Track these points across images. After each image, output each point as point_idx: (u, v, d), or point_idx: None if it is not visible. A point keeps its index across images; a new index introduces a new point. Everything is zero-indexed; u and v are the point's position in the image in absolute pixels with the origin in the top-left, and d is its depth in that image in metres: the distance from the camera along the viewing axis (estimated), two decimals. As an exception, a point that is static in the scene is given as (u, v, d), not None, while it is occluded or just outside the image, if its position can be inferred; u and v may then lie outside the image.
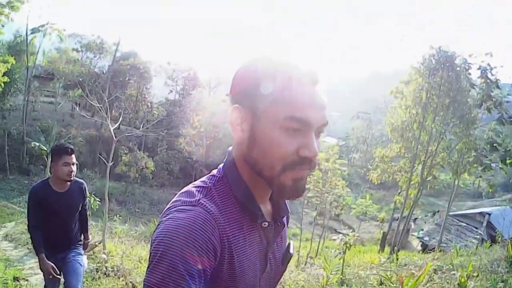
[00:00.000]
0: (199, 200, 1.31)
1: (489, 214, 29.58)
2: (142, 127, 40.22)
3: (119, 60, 50.02)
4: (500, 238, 15.65)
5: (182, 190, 1.41)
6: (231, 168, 1.41)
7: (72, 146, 4.68)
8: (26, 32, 36.11)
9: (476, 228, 28.96)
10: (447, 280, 9.65)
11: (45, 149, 29.44)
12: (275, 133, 1.26)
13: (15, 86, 35.20)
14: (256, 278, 1.45)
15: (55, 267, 4.66)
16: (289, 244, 1.62)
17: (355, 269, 12.42)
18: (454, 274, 9.96)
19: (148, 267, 1.24)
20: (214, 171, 1.46)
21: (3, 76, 22.88)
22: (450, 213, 30.74)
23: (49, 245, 4.72)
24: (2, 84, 23.47)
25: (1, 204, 22.65)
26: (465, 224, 29.86)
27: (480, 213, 30.96)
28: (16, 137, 35.02)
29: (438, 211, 36.14)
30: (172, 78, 53.02)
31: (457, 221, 30.58)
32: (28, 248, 11.15)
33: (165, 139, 47.55)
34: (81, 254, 5.05)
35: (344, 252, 12.33)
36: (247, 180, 1.39)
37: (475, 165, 19.54)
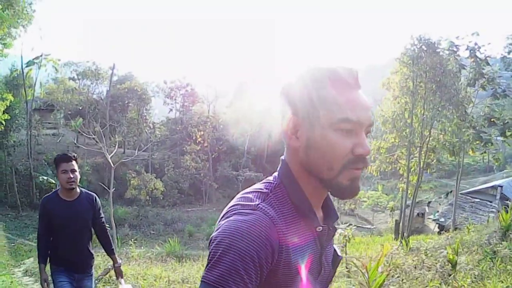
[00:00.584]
0: (258, 204, 1.34)
1: (501, 186, 30.06)
2: (147, 149, 40.09)
3: (116, 84, 50.27)
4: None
5: (239, 196, 1.45)
6: (287, 175, 1.45)
7: (73, 154, 4.71)
8: (22, 66, 36.15)
9: (490, 202, 29.14)
10: (438, 259, 10.04)
11: (54, 182, 29.58)
12: (331, 135, 1.32)
13: (16, 121, 34.93)
14: (313, 282, 1.48)
15: (48, 281, 4.75)
16: (335, 249, 1.65)
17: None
18: (442, 252, 10.40)
19: (207, 265, 1.28)
20: (270, 178, 1.51)
21: (3, 114, 22.79)
22: (462, 191, 31.73)
23: (62, 258, 4.77)
24: (4, 122, 23.34)
25: (18, 242, 22.59)
26: (478, 200, 29.97)
27: (492, 186, 31.29)
28: (23, 172, 34.94)
29: (451, 191, 35.52)
30: (171, 96, 53.18)
31: (470, 198, 30.73)
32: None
33: (171, 158, 47.92)
34: (92, 275, 5.05)
35: (345, 245, 12.87)
36: (302, 186, 1.42)
37: (476, 142, 19.90)
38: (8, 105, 24.93)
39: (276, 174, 1.50)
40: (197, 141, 46.87)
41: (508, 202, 22.28)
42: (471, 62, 19.58)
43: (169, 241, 20.60)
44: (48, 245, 4.75)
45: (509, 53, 26.07)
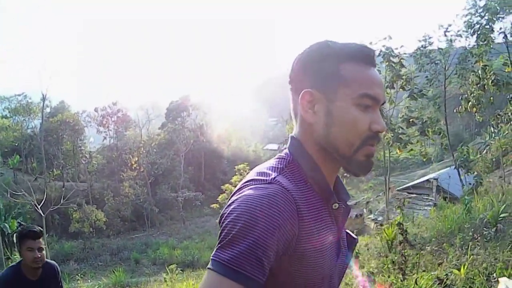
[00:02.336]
0: (275, 178, 1.30)
1: (436, 179, 29.79)
2: (85, 179, 40.82)
3: (49, 117, 50.21)
4: (448, 199, 16.89)
5: (253, 172, 1.42)
6: (300, 151, 1.42)
7: (37, 229, 4.34)
8: None
9: (427, 195, 29.29)
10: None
11: None
12: (351, 111, 1.34)
13: None
14: (333, 263, 1.43)
15: None
16: (346, 230, 1.59)
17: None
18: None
19: (219, 242, 1.21)
20: (281, 154, 1.47)
21: None
22: (399, 188, 32.33)
23: None
24: None
25: None
26: (415, 195, 29.77)
27: (427, 180, 31.29)
28: None
29: (389, 188, 35.32)
30: (103, 124, 53.26)
31: (406, 193, 29.71)
32: None
33: (110, 187, 48.15)
34: None
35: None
36: (320, 163, 1.41)
37: (397, 144, 19.93)
38: None
39: (287, 151, 1.47)
40: (133, 167, 47.49)
41: (446, 193, 23.21)
42: (386, 65, 19.83)
43: (118, 270, 21.21)
44: None
45: (420, 56, 27.23)
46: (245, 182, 1.37)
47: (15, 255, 23.69)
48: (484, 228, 9.22)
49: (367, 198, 41.43)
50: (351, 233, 1.60)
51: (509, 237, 8.27)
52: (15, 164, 46.14)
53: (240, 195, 1.28)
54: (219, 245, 1.21)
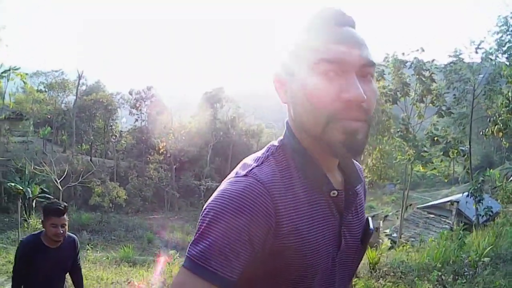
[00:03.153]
0: (251, 169, 1.26)
1: (458, 202, 27.28)
2: (113, 157, 41.81)
3: (83, 95, 51.79)
4: (464, 224, 15.32)
5: (241, 162, 1.36)
6: (288, 136, 1.36)
7: (63, 206, 4.49)
8: None
9: (446, 217, 27.79)
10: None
11: (21, 188, 30.72)
12: (310, 82, 1.20)
13: None
14: (329, 256, 1.33)
15: None
16: (367, 219, 1.50)
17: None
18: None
19: (193, 237, 1.20)
20: (274, 142, 1.40)
21: None
22: (420, 206, 31.58)
23: None
24: None
25: None
26: (433, 216, 28.73)
27: (449, 201, 29.10)
28: None
29: (411, 205, 34.50)
30: (136, 107, 54.38)
31: (426, 213, 29.47)
32: (7, 275, 12.86)
33: (136, 167, 49.31)
34: None
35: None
36: (307, 146, 1.31)
37: (417, 161, 18.97)
38: None
39: (281, 137, 1.40)
40: (160, 152, 48.24)
41: (465, 218, 22.24)
42: (416, 78, 19.15)
43: (128, 246, 21.82)
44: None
45: (450, 72, 25.47)
46: (229, 175, 1.33)
47: (31, 218, 24.90)
48: (465, 268, 9.09)
49: (387, 211, 40.70)
50: (371, 221, 1.49)
51: (481, 282, 8.15)
52: (46, 134, 47.76)
53: (218, 189, 1.26)
54: (192, 240, 1.20)
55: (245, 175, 1.25)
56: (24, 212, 28.69)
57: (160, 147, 48.35)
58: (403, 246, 15.27)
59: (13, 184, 32.00)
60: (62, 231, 4.43)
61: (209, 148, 52.35)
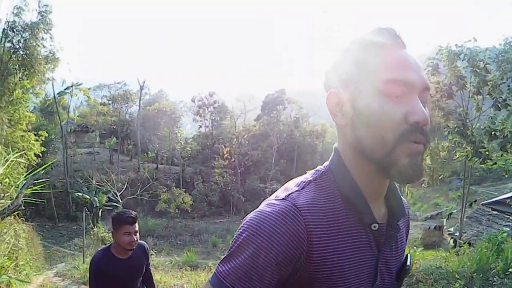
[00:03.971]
0: (290, 194, 1.24)
1: None
2: (178, 164, 42.44)
3: (146, 106, 53.30)
4: None
5: (284, 185, 1.35)
6: (336, 161, 1.32)
7: (134, 214, 4.48)
8: (54, 96, 39.22)
9: (510, 214, 25.63)
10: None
11: (88, 197, 32.30)
12: (378, 103, 1.18)
13: (52, 145, 38.39)
14: None
15: None
16: (406, 256, 1.45)
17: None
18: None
19: (225, 255, 1.23)
20: (321, 166, 1.37)
21: (40, 146, 25.50)
22: (484, 202, 29.62)
23: None
24: (41, 154, 25.98)
25: (53, 248, 24.81)
26: (496, 213, 26.50)
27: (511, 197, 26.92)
28: (60, 189, 37.05)
29: (475, 201, 32.59)
30: (199, 114, 55.07)
31: (490, 210, 27.25)
32: (71, 280, 14.07)
33: (201, 172, 50.08)
34: None
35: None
36: (355, 174, 1.28)
37: (475, 159, 18.20)
38: (43, 139, 27.56)
39: (327, 162, 1.36)
40: (225, 157, 48.92)
41: None
42: (471, 70, 18.40)
43: (192, 250, 22.20)
44: None
45: (502, 62, 23.65)
46: (269, 198, 1.30)
47: (97, 227, 25.87)
48: (495, 278, 8.55)
49: (451, 208, 38.41)
50: (409, 258, 1.44)
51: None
52: (112, 145, 49.33)
53: (254, 211, 1.24)
54: (224, 256, 1.23)
55: (283, 199, 1.23)
56: (90, 221, 29.64)
57: (225, 152, 49.07)
58: (460, 246, 14.49)
59: (80, 194, 33.59)
60: (135, 239, 4.44)
61: (274, 151, 52.47)
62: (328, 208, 1.24)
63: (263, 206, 1.24)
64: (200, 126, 57.02)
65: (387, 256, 1.36)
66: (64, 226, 35.53)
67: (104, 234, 23.92)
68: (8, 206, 5.18)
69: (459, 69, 18.94)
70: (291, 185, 1.30)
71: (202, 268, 18.16)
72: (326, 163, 1.36)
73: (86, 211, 25.89)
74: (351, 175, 1.28)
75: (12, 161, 5.58)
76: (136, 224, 4.47)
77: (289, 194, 1.24)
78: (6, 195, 4.80)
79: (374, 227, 1.27)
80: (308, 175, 1.34)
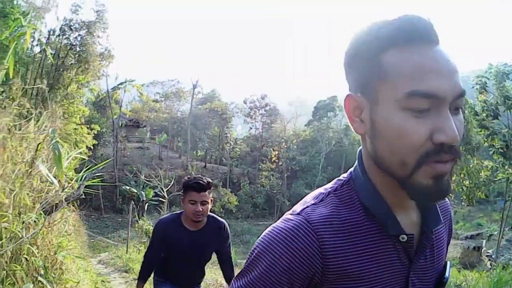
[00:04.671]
0: (305, 208, 1.15)
1: None
2: (226, 164, 42.39)
3: (198, 104, 54.07)
4: None
5: (305, 197, 1.25)
6: (359, 169, 1.18)
7: (205, 181, 4.03)
8: (108, 91, 40.17)
9: None
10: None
11: (135, 191, 32.89)
12: (397, 118, 0.99)
13: (103, 138, 39.30)
14: None
15: None
16: (445, 264, 1.31)
17: None
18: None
19: (240, 271, 1.21)
20: (344, 174, 1.25)
21: (92, 139, 26.29)
22: None
23: (169, 278, 4.44)
24: (92, 147, 26.97)
25: (98, 238, 25.61)
26: None
27: None
28: (109, 181, 37.17)
29: None
30: (250, 115, 55.71)
31: None
32: (114, 267, 14.49)
33: (249, 174, 50.66)
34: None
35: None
36: (378, 182, 1.14)
37: None
38: (95, 133, 28.40)
39: (352, 168, 1.23)
40: (272, 160, 49.29)
41: None
42: None
43: (233, 249, 23.41)
44: (154, 266, 4.40)
45: None
46: (288, 211, 1.21)
47: (142, 220, 26.57)
48: None
49: (493, 230, 36.11)
50: (448, 269, 1.30)
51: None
52: (162, 141, 50.18)
53: (271, 225, 1.17)
54: (239, 272, 1.21)
55: (297, 214, 1.15)
56: (136, 214, 29.97)
57: (273, 156, 49.40)
58: (494, 269, 13.91)
59: (128, 187, 34.20)
60: (201, 209, 3.98)
61: (322, 157, 52.41)
62: (347, 221, 1.13)
63: (278, 222, 1.17)
64: (251, 128, 57.54)
65: (420, 266, 1.21)
66: (109, 218, 36.46)
67: (149, 227, 24.36)
68: (72, 194, 5.80)
69: (507, 89, 18.58)
70: (309, 198, 1.21)
71: (241, 267, 18.15)
72: (351, 170, 1.23)
73: (132, 204, 26.56)
74: (373, 184, 1.15)
75: (75, 157, 6.23)
76: (206, 193, 4.01)
77: (304, 209, 1.16)
78: (69, 185, 5.43)
79: (403, 238, 1.13)
80: (329, 185, 1.23)
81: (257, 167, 50.75)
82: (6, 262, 3.87)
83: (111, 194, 39.46)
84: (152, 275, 4.49)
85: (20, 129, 5.00)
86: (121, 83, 42.33)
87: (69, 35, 23.89)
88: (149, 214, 31.09)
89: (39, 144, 4.57)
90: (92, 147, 27.03)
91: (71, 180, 5.44)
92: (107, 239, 26.51)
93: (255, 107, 55.68)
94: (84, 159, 8.32)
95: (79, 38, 23.98)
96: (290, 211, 1.19)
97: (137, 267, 13.13)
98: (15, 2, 18.29)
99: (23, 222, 4.15)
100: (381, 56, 1.02)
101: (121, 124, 45.36)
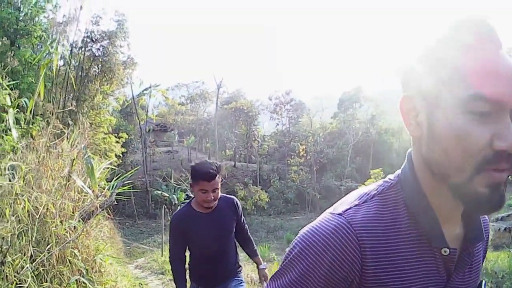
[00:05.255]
0: (348, 209, 1.14)
1: None
2: (255, 161, 42.55)
3: (224, 104, 54.36)
4: None
5: (346, 195, 1.24)
6: (407, 172, 1.16)
7: (214, 168, 4.01)
8: (133, 97, 40.70)
9: None
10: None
11: (167, 195, 33.41)
12: (458, 121, 0.97)
13: (132, 145, 39.97)
14: None
15: None
16: (480, 283, 1.27)
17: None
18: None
19: (276, 271, 1.19)
20: (391, 175, 1.23)
21: (121, 147, 26.68)
22: None
23: (202, 277, 4.45)
24: (122, 155, 27.24)
25: (133, 245, 25.73)
26: None
27: None
28: (140, 187, 37.74)
29: None
30: (276, 112, 56.01)
31: None
32: (150, 271, 15.04)
33: (278, 170, 51.12)
34: (243, 282, 4.55)
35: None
36: (428, 188, 1.11)
37: None
38: (124, 141, 28.94)
39: (399, 171, 1.21)
40: (301, 155, 49.51)
41: None
42: None
43: (266, 246, 23.07)
44: (184, 267, 4.35)
45: None
46: (328, 209, 1.21)
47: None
48: None
49: None
50: (483, 286, 1.26)
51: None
52: (190, 143, 50.91)
53: (310, 224, 1.17)
54: (275, 272, 1.20)
55: (339, 214, 1.13)
56: (169, 218, 30.91)
57: (300, 150, 49.60)
58: None
59: (159, 192, 34.70)
60: (213, 197, 4.02)
61: (349, 148, 52.36)
62: (390, 227, 1.12)
63: (318, 220, 1.17)
64: (277, 124, 57.76)
65: (458, 282, 1.18)
66: (143, 224, 36.76)
67: None
68: (105, 201, 6.40)
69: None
70: (352, 198, 1.19)
71: (276, 263, 17.84)
72: (398, 172, 1.21)
73: (165, 208, 26.87)
74: (423, 190, 1.12)
75: (106, 168, 6.83)
76: (216, 180, 4.02)
77: (346, 210, 1.14)
78: (102, 194, 6.00)
79: (445, 252, 1.11)
80: (374, 186, 1.21)
81: (286, 163, 50.99)
82: (54, 264, 4.48)
83: (143, 200, 39.90)
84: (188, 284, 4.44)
85: (55, 148, 5.65)
86: (146, 89, 42.97)
87: (92, 46, 24.40)
88: (184, 217, 31.42)
89: (73, 160, 5.20)
90: (121, 155, 27.50)
91: (103, 189, 6.01)
92: (143, 245, 26.77)
93: (281, 103, 55.98)
94: (114, 168, 8.75)
95: (101, 49, 24.44)
96: (331, 210, 1.19)
97: (172, 268, 13.85)
98: (36, 20, 18.92)
99: (65, 229, 4.78)
100: (447, 57, 1.01)
101: (149, 130, 45.86)
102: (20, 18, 18.25)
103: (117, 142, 25.70)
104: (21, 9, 18.46)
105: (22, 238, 4.20)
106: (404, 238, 1.10)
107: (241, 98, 56.44)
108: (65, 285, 4.49)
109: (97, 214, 5.76)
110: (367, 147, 54.42)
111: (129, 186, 8.29)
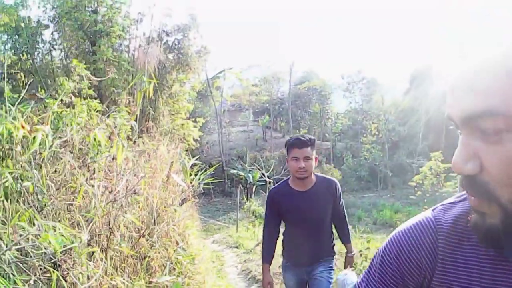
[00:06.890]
0: (439, 206, 1.16)
1: None
2: (329, 139, 43.28)
3: (297, 84, 55.33)
4: None
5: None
6: None
7: (306, 137, 4.14)
8: (208, 81, 41.66)
9: None
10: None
11: (243, 174, 34.91)
12: None
13: (208, 127, 41.78)
14: None
15: (272, 284, 4.42)
16: None
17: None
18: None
19: (368, 266, 1.22)
20: None
21: (199, 130, 27.85)
22: None
23: (292, 253, 4.51)
24: (199, 138, 28.28)
25: (210, 222, 27.16)
26: None
27: None
28: (216, 167, 38.88)
29: None
30: (349, 90, 56.57)
31: None
32: (226, 245, 16.15)
33: (351, 147, 52.18)
34: (332, 269, 4.51)
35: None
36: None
37: None
38: (200, 125, 30.22)
39: None
40: (373, 133, 50.14)
41: None
42: None
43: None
44: (275, 242, 4.47)
45: None
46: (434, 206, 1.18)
47: (250, 202, 28.65)
48: None
49: None
50: None
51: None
52: (265, 123, 52.40)
53: (402, 225, 1.18)
54: (367, 267, 1.23)
55: (432, 210, 1.15)
56: (244, 196, 32.35)
57: (372, 128, 50.44)
58: None
59: (235, 171, 36.38)
60: (303, 165, 4.08)
61: (421, 125, 52.56)
62: (467, 236, 1.07)
63: (413, 218, 1.17)
64: (350, 102, 58.21)
65: None
66: (219, 201, 38.03)
67: (256, 208, 26.07)
68: (195, 190, 8.07)
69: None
70: (457, 195, 1.16)
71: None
72: None
73: (240, 187, 28.44)
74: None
75: (194, 163, 8.53)
76: (308, 149, 4.12)
77: (439, 206, 1.16)
78: (192, 184, 7.80)
79: None
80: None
81: (359, 141, 51.69)
82: (161, 236, 6.41)
83: (219, 178, 39.93)
84: (281, 259, 4.68)
85: (155, 152, 7.60)
86: (220, 72, 44.21)
87: (167, 40, 25.87)
88: (257, 195, 32.96)
89: (172, 162, 7.14)
90: (199, 138, 28.56)
91: (192, 181, 7.88)
92: (219, 222, 28.01)
93: (353, 81, 56.49)
94: (199, 156, 10.37)
95: (176, 42, 25.84)
96: (429, 210, 1.20)
97: (246, 243, 15.28)
98: (113, 21, 20.62)
99: (169, 212, 6.71)
100: None
101: (224, 110, 48.03)
102: (99, 20, 19.95)
103: (195, 126, 26.85)
104: (98, 11, 20.08)
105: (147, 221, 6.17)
106: (477, 247, 1.06)
107: (314, 78, 57.62)
108: (167, 254, 6.11)
109: (188, 200, 7.68)
110: (439, 124, 53.97)
111: (212, 178, 9.91)
